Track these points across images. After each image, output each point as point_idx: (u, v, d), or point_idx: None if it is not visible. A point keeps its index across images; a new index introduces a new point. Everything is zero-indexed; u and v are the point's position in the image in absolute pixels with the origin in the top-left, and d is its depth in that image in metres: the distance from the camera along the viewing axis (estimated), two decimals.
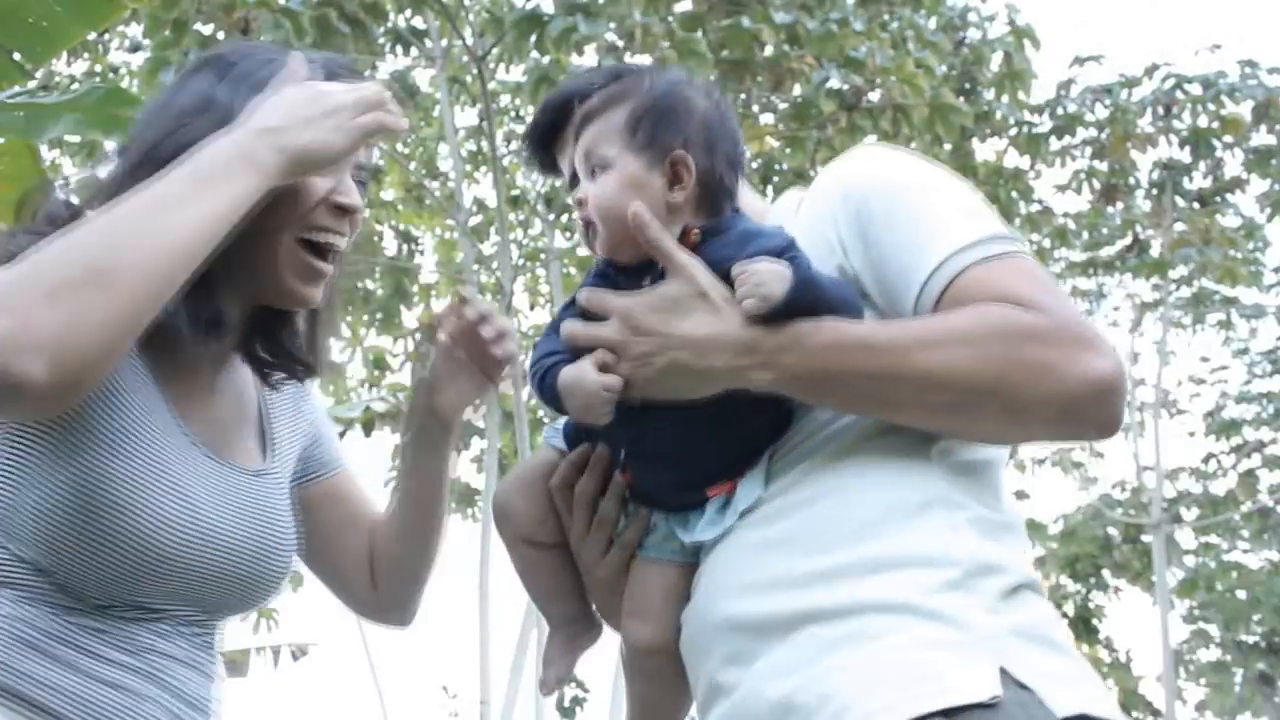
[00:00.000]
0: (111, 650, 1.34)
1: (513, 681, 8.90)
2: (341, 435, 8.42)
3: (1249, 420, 14.20)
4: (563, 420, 1.45)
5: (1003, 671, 1.12)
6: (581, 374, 1.28)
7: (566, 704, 11.15)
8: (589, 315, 1.33)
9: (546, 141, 1.55)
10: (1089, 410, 1.19)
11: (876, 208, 1.31)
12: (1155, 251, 11.94)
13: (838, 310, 1.25)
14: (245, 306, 1.47)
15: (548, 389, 1.32)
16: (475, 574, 9.30)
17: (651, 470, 1.36)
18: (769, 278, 1.23)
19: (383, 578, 1.66)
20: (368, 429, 9.22)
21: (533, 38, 7.60)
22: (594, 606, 1.48)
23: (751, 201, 1.52)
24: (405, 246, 11.55)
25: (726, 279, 1.27)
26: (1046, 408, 1.18)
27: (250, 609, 1.52)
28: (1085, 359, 1.17)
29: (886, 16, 8.60)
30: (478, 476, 11.87)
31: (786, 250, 1.27)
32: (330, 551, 1.66)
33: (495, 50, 9.01)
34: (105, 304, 1.15)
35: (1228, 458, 14.56)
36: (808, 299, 1.24)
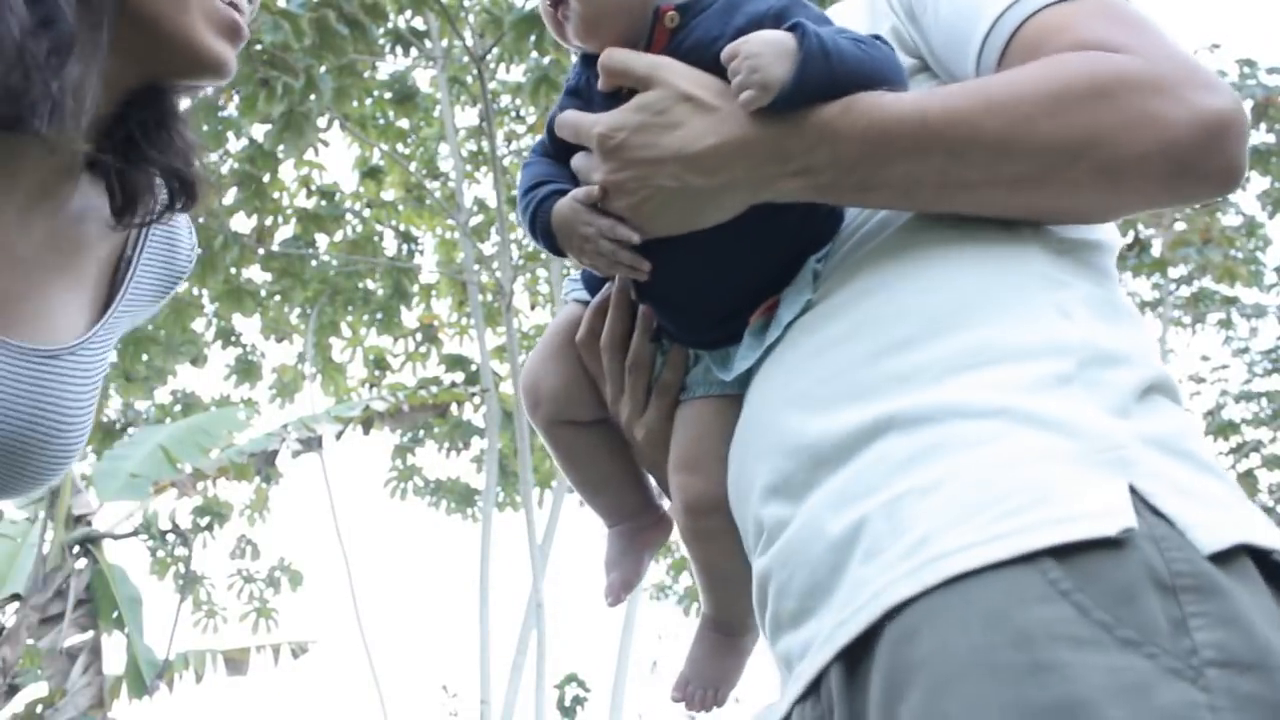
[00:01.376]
0: None
1: (513, 681, 8.90)
2: (340, 435, 8.42)
3: (1248, 420, 14.20)
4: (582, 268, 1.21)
5: (1132, 491, 0.85)
6: (575, 214, 1.06)
7: (567, 704, 11.15)
8: (567, 146, 1.10)
9: None
10: (1205, 158, 0.96)
11: None
12: (1156, 251, 11.95)
13: (868, 79, 0.99)
14: (119, 89, 1.14)
15: (541, 229, 1.10)
16: (475, 574, 9.32)
17: (675, 310, 1.15)
18: (766, 56, 0.98)
19: None
20: (367, 429, 9.22)
21: (532, 38, 7.61)
22: (651, 482, 1.27)
23: None
24: (405, 246, 11.55)
25: (709, 57, 1.02)
26: (1152, 162, 0.95)
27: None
28: (1193, 98, 0.95)
29: None
30: (478, 476, 11.87)
31: (786, 10, 1.02)
32: None
33: (495, 50, 9.02)
34: None
35: (1227, 458, 14.56)
36: (823, 74, 0.98)
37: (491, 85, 9.80)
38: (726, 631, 1.25)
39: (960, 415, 0.91)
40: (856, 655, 0.88)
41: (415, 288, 11.38)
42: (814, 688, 0.93)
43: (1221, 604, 0.80)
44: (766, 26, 1.01)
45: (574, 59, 1.16)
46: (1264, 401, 13.97)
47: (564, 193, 1.08)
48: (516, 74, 10.16)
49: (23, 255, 1.13)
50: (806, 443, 0.98)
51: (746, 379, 1.09)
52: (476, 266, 10.40)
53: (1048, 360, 0.93)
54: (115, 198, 1.18)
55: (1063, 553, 0.82)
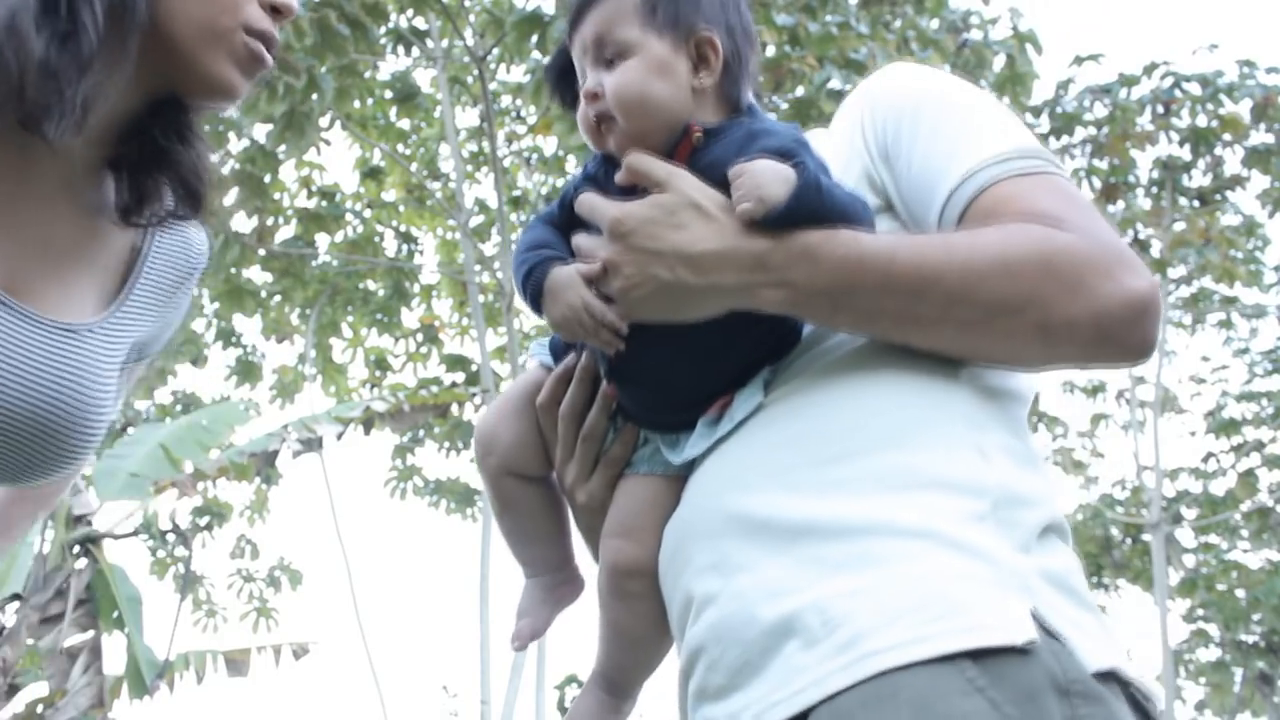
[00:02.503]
0: None
1: (513, 681, 8.90)
2: (341, 435, 8.41)
3: (1249, 420, 14.19)
4: (550, 335, 1.33)
5: (1033, 614, 1.00)
6: (570, 283, 1.17)
7: (567, 704, 11.14)
8: (583, 225, 1.21)
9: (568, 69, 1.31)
10: (1125, 331, 1.10)
11: (907, 115, 1.23)
12: (1155, 251, 11.95)
13: (849, 219, 1.13)
14: (139, 96, 1.22)
15: (532, 287, 1.20)
16: (475, 574, 9.31)
17: (638, 391, 1.25)
18: (768, 179, 1.11)
19: None
20: (368, 429, 9.22)
21: (533, 38, 7.61)
22: (573, 543, 1.37)
23: None
24: (406, 247, 11.55)
25: (722, 177, 1.15)
26: (1081, 328, 1.09)
27: (22, 482, 1.25)
28: (1122, 277, 1.09)
29: (889, 16, 8.61)
30: (478, 476, 11.86)
31: (794, 150, 1.14)
32: None
33: (496, 51, 9.02)
34: None
35: (1227, 457, 14.55)
36: (813, 204, 1.11)
37: (492, 86, 9.80)
38: (613, 692, 1.38)
39: (890, 532, 1.05)
40: None
41: (416, 288, 11.39)
42: None
43: (1105, 711, 0.99)
44: (778, 160, 1.14)
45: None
46: (1264, 401, 13.97)
47: (563, 260, 1.20)
48: (517, 74, 10.16)
49: (44, 240, 1.20)
50: (752, 520, 1.10)
51: (690, 465, 1.22)
52: (477, 267, 10.40)
53: (968, 497, 1.07)
54: (123, 196, 1.26)
55: (978, 656, 0.97)
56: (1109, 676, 1.01)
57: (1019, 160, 1.17)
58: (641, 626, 1.29)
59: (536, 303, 1.20)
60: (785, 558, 1.07)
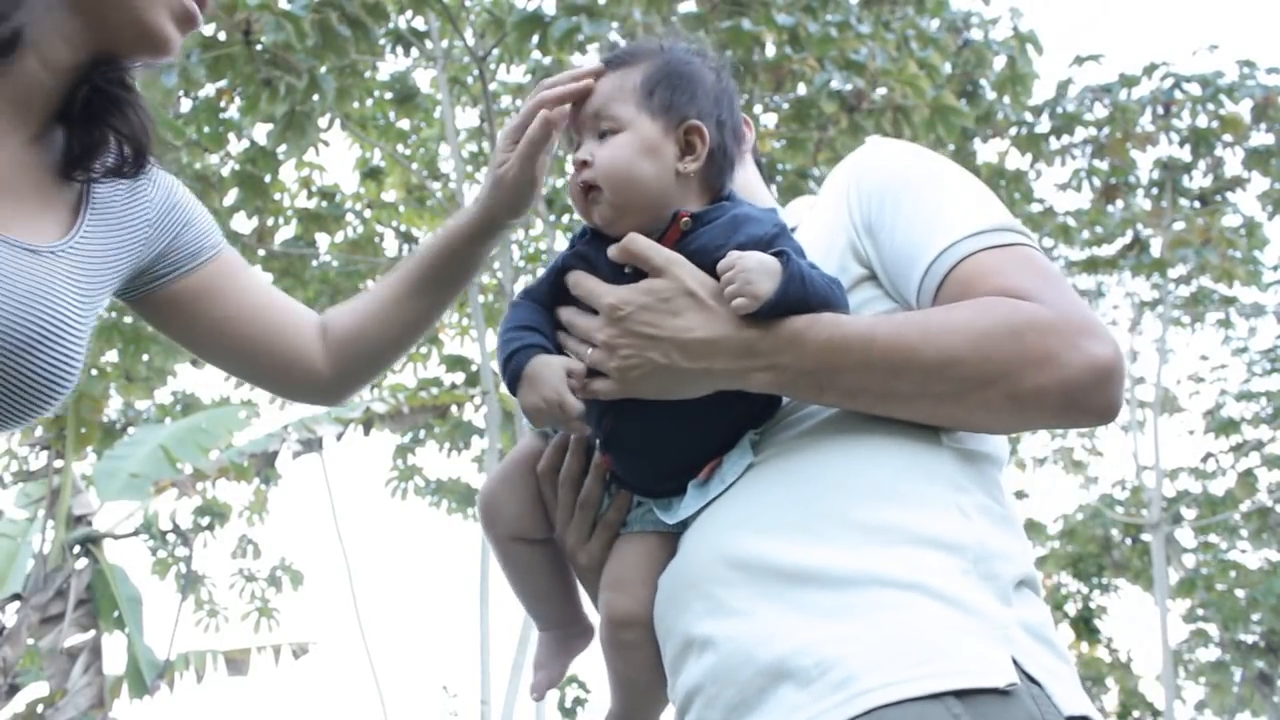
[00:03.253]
0: None
1: (513, 681, 8.90)
2: (340, 436, 8.42)
3: (1248, 419, 14.20)
4: None
5: (1014, 661, 1.10)
6: (548, 376, 1.24)
7: (568, 704, 11.16)
8: (568, 297, 1.29)
9: None
10: (1090, 396, 1.17)
11: (890, 191, 1.31)
12: (1155, 250, 11.95)
13: (828, 304, 1.22)
14: (82, 54, 1.28)
15: (511, 371, 1.27)
16: (475, 574, 9.32)
17: (631, 460, 1.33)
18: (757, 274, 1.19)
19: (344, 358, 1.54)
20: (368, 429, 9.22)
21: (534, 38, 7.61)
22: (585, 597, 1.45)
23: (757, 189, 1.53)
24: (406, 247, 11.55)
25: (710, 263, 1.23)
26: (1049, 395, 1.17)
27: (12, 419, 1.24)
28: (1085, 346, 1.17)
29: (889, 17, 8.61)
30: (478, 476, 11.87)
31: (776, 239, 1.24)
32: (248, 330, 1.50)
33: (496, 51, 9.02)
34: None
35: (1226, 457, 14.56)
36: (798, 294, 1.20)
37: (492, 86, 9.80)
38: None
39: (879, 583, 1.13)
40: None
41: None
42: None
43: None
44: (760, 248, 1.23)
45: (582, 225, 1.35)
46: (1264, 400, 13.97)
47: (546, 349, 1.28)
48: (517, 74, 10.17)
49: (2, 175, 1.26)
50: (741, 576, 1.18)
51: (682, 524, 1.29)
52: None
53: (951, 554, 1.16)
54: (70, 149, 1.31)
55: (963, 695, 1.06)
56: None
57: (992, 234, 1.25)
58: (640, 673, 1.36)
59: (513, 386, 1.27)
60: (779, 604, 1.15)
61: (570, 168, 1.32)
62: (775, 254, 1.21)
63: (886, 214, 1.30)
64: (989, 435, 1.29)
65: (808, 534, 1.18)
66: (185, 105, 8.22)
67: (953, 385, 1.18)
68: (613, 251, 1.26)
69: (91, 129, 1.32)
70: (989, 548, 1.19)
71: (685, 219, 1.26)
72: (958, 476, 1.22)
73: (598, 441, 1.35)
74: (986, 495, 1.24)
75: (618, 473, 1.35)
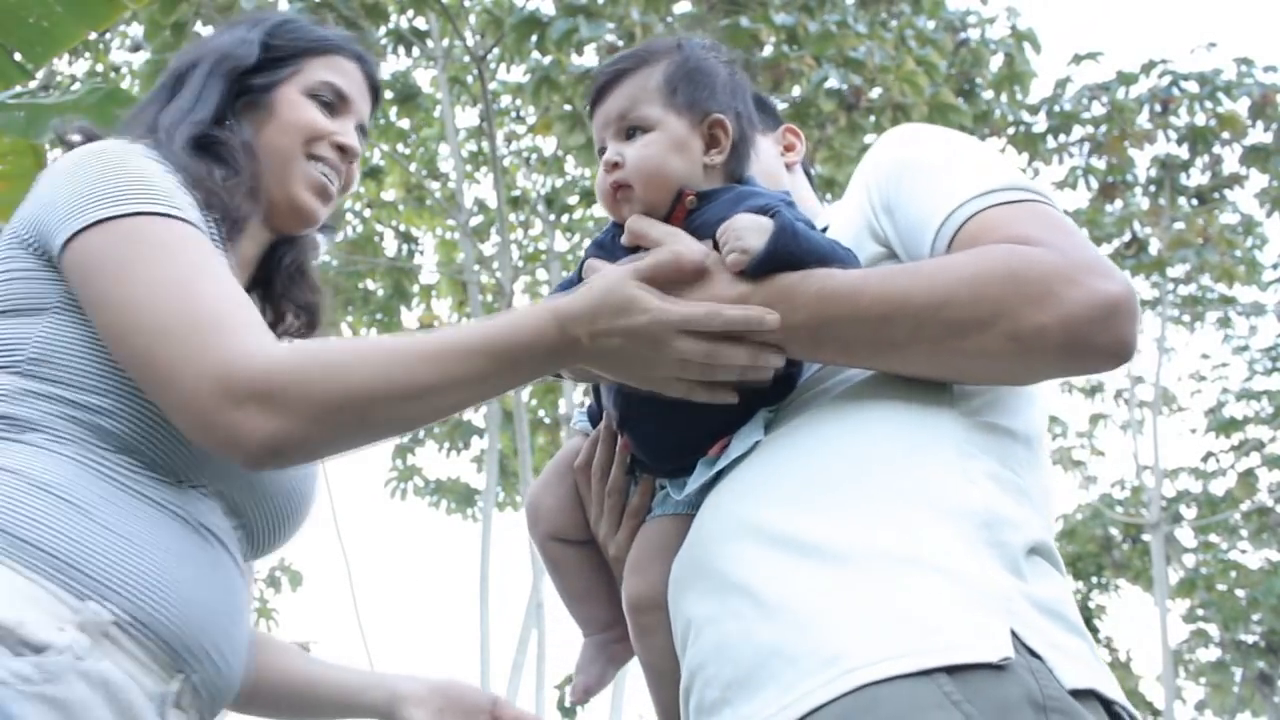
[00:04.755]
0: (179, 510, 1.36)
1: (513, 681, 8.90)
2: None
3: (1249, 419, 14.20)
4: (589, 401, 1.45)
5: (1013, 634, 1.05)
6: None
7: (567, 704, 11.15)
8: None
9: None
10: (1097, 333, 1.12)
11: (905, 170, 1.31)
12: (1154, 250, 11.95)
13: (826, 260, 1.22)
14: (263, 237, 1.60)
15: None
16: (475, 574, 9.32)
17: (643, 438, 1.35)
18: (748, 231, 1.21)
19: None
20: None
21: (533, 38, 7.61)
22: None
23: (809, 200, 1.59)
24: (405, 247, 11.56)
25: (714, 229, 1.25)
26: (1051, 333, 1.12)
27: (288, 530, 1.55)
28: (1089, 282, 1.12)
29: (885, 15, 8.61)
30: (478, 476, 11.87)
31: (774, 205, 1.25)
32: None
33: (496, 50, 9.03)
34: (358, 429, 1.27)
35: (1227, 456, 14.56)
36: (789, 249, 1.21)
37: (492, 85, 9.81)
38: None
39: (875, 555, 1.11)
40: None
41: (416, 288, 11.39)
42: None
43: None
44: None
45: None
46: (1264, 400, 13.97)
47: None
48: (517, 74, 10.17)
49: None
50: (741, 553, 1.17)
51: (696, 503, 1.29)
52: (477, 267, 10.40)
53: (953, 518, 1.13)
54: (264, 313, 1.59)
55: (955, 671, 1.02)
56: (1089, 695, 1.06)
57: (1003, 191, 1.23)
58: (663, 660, 1.33)
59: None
60: (778, 581, 1.13)
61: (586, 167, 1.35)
62: (768, 213, 1.24)
63: (903, 189, 1.30)
64: (1013, 409, 1.25)
65: (807, 506, 1.16)
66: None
67: (946, 328, 1.15)
68: (624, 238, 1.31)
69: (277, 300, 1.64)
70: (996, 514, 1.14)
71: (690, 197, 1.30)
72: (965, 444, 1.19)
73: (615, 423, 1.37)
74: (998, 463, 1.20)
75: (637, 455, 1.37)
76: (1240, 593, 14.49)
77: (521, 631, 9.22)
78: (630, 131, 1.33)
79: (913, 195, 1.29)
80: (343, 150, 1.60)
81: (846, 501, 1.15)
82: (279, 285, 1.64)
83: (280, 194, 1.56)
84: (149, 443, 1.33)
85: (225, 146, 1.51)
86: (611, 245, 1.34)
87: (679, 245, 1.25)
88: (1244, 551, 14.98)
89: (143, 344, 1.28)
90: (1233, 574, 14.64)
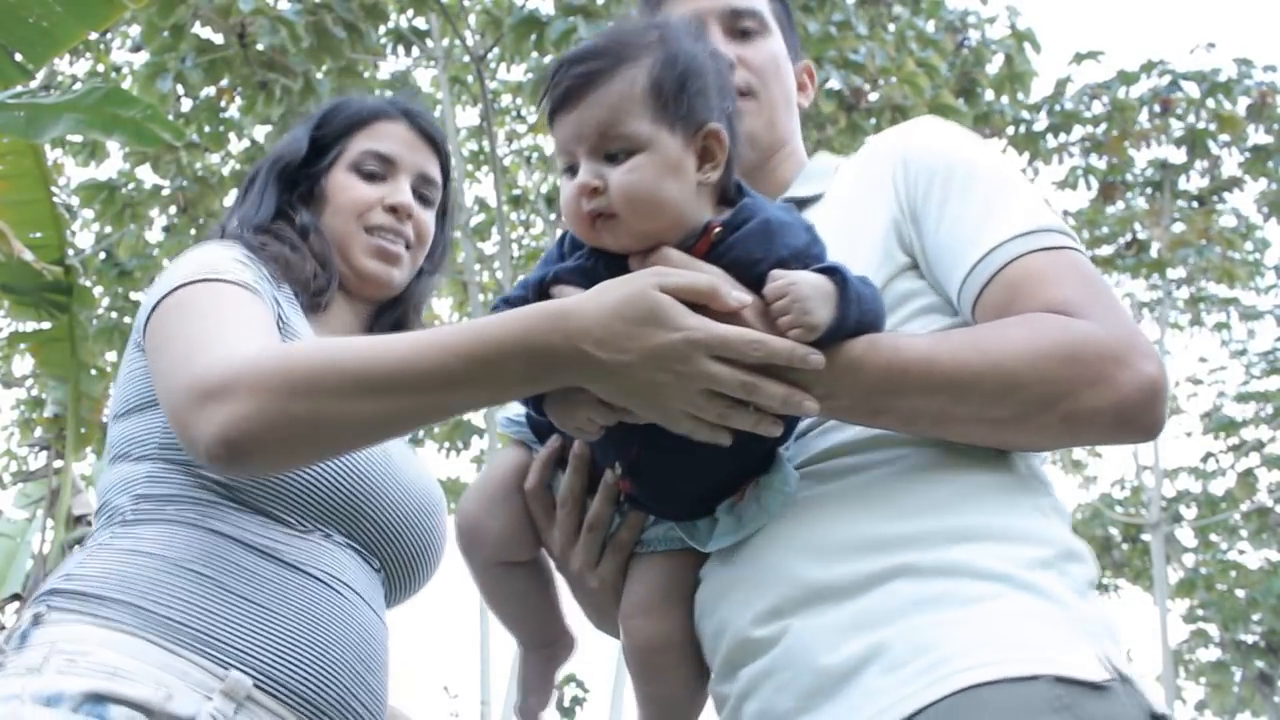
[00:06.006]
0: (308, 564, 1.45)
1: (513, 681, 8.89)
2: None
3: (1248, 420, 14.19)
4: (521, 408, 1.29)
5: (1104, 658, 1.08)
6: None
7: (566, 704, 11.16)
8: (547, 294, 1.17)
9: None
10: (1141, 415, 1.16)
11: (939, 178, 1.27)
12: (1154, 251, 11.95)
13: (879, 320, 1.16)
14: (357, 307, 1.70)
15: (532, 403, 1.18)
16: None
17: (656, 487, 1.22)
18: (814, 301, 1.09)
19: None
20: None
21: (533, 38, 7.61)
22: (584, 615, 1.38)
23: (798, 147, 1.50)
24: None
25: (750, 276, 1.13)
26: (1104, 416, 1.15)
27: (425, 569, 1.64)
28: (1138, 364, 1.15)
29: (885, 17, 8.61)
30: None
31: (813, 246, 1.16)
32: None
33: (496, 50, 9.03)
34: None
35: (1226, 457, 14.56)
36: (855, 319, 1.12)
37: (492, 85, 9.81)
38: None
39: (967, 574, 1.11)
40: None
41: None
42: None
43: None
44: (800, 260, 1.13)
45: (563, 236, 1.23)
46: (1262, 401, 13.96)
47: None
48: (517, 74, 10.18)
49: None
50: (814, 579, 1.14)
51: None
52: (477, 266, 10.40)
53: (1034, 546, 1.15)
54: None
55: (1061, 681, 1.03)
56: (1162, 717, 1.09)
57: (1039, 235, 1.22)
58: (674, 691, 1.31)
59: (538, 407, 1.17)
60: (864, 598, 1.13)
61: (559, 182, 1.20)
62: (826, 271, 1.13)
63: (933, 203, 1.27)
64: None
65: (885, 542, 1.14)
66: (186, 105, 8.22)
67: (1013, 409, 1.15)
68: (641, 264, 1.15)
69: None
70: (1066, 545, 1.18)
71: (718, 230, 1.15)
72: (1029, 479, 1.22)
73: (620, 469, 1.22)
74: (1056, 498, 1.24)
75: (638, 498, 1.24)
76: (1240, 593, 14.49)
77: None
78: (613, 153, 1.14)
79: (945, 216, 1.26)
80: (396, 210, 1.66)
81: (929, 532, 1.15)
82: None
83: (349, 269, 1.65)
84: (270, 497, 1.43)
85: (284, 234, 1.61)
86: (596, 269, 1.16)
87: (722, 283, 1.10)
88: (1244, 552, 14.99)
89: (161, 387, 1.36)
90: (1233, 574, 14.64)
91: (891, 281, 1.26)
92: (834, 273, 1.12)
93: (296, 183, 1.68)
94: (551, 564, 1.36)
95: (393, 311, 1.73)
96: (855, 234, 1.30)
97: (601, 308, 1.08)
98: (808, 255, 1.14)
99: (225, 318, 1.36)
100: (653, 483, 1.22)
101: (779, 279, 1.10)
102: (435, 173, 1.74)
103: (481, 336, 1.11)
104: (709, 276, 1.10)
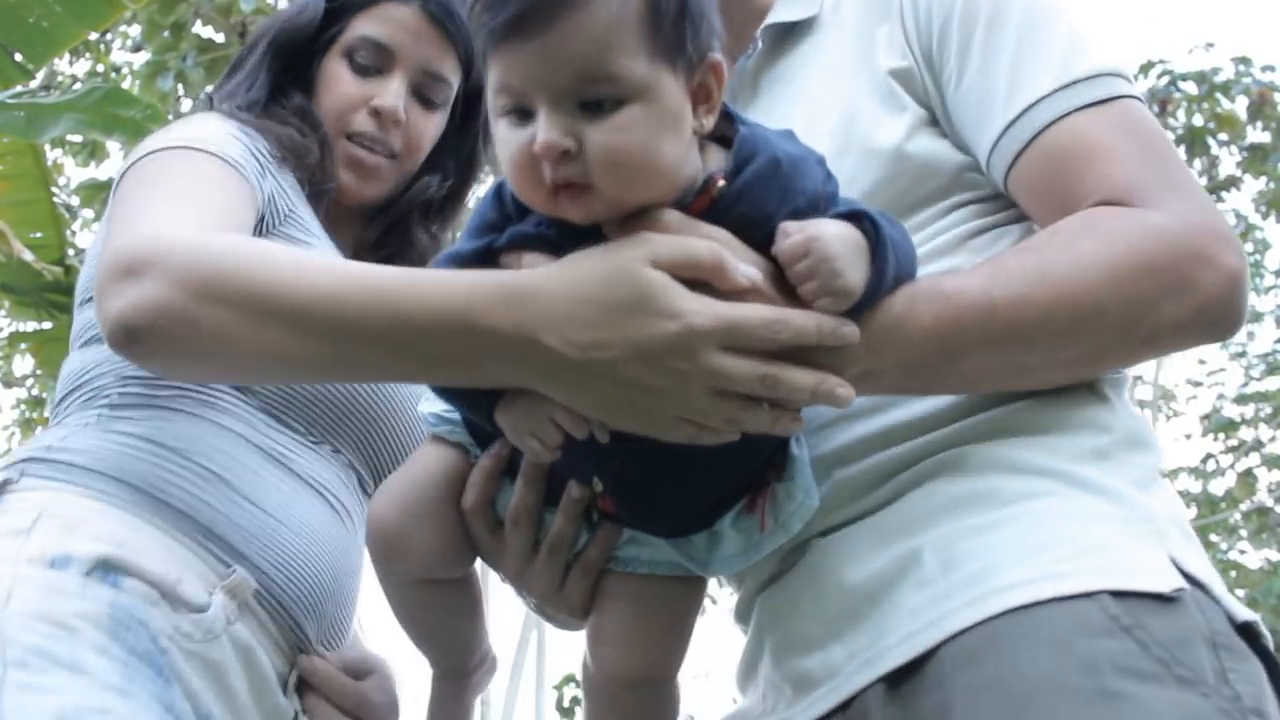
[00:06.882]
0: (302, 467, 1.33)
1: (513, 681, 8.90)
2: None
3: (1247, 420, 14.19)
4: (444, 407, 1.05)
5: (1174, 561, 0.92)
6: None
7: (567, 704, 11.16)
8: (492, 258, 0.93)
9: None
10: (1227, 313, 0.99)
11: (956, 15, 1.06)
12: None
13: (913, 265, 0.95)
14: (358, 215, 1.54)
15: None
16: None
17: (642, 503, 1.00)
18: (845, 259, 0.87)
19: None
20: None
21: None
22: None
23: None
24: None
25: (759, 233, 0.90)
26: (1187, 325, 0.97)
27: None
28: (1221, 258, 0.97)
29: None
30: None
31: (827, 184, 0.93)
32: None
33: None
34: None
35: (1226, 457, 14.55)
36: (891, 271, 0.90)
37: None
38: None
39: (1009, 470, 0.96)
40: (901, 675, 0.92)
41: None
42: (843, 706, 0.96)
43: (1251, 668, 0.90)
44: (816, 204, 0.91)
45: (499, 198, 0.95)
46: (1261, 402, 13.97)
47: None
48: None
49: None
50: (855, 471, 1.00)
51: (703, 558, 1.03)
52: None
53: (1089, 434, 0.98)
54: None
55: (1121, 596, 0.87)
56: (1246, 630, 0.93)
57: (1084, 86, 1.01)
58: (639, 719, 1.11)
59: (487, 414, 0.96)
60: (896, 505, 0.98)
61: (510, 140, 0.88)
62: (849, 216, 0.90)
63: (952, 47, 1.06)
64: None
65: (924, 431, 0.99)
66: (186, 105, 8.22)
67: (1090, 344, 0.96)
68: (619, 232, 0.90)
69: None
70: (1133, 431, 1.01)
71: (721, 183, 0.91)
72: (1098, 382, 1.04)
73: (600, 485, 1.00)
74: (1120, 373, 1.06)
75: (620, 516, 1.03)
76: (1240, 593, 14.48)
77: (521, 631, 9.21)
78: (595, 101, 0.85)
79: (966, 65, 1.05)
80: (380, 115, 1.44)
81: (964, 428, 0.99)
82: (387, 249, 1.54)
83: (335, 176, 1.47)
84: (282, 399, 1.32)
85: (285, 115, 1.43)
86: (553, 235, 0.90)
87: (723, 249, 0.88)
88: (1244, 552, 14.98)
89: (104, 242, 1.18)
90: (1233, 574, 14.64)
91: (907, 142, 1.05)
92: (860, 217, 0.90)
93: (296, 61, 1.48)
94: (481, 577, 1.19)
95: (386, 216, 1.53)
96: (858, 79, 1.09)
97: (572, 289, 0.86)
98: (823, 197, 0.92)
99: (180, 193, 1.19)
100: (640, 499, 1.00)
101: (794, 233, 0.88)
102: (445, 68, 1.48)
103: (415, 292, 0.90)
104: (711, 244, 0.87)
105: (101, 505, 1.17)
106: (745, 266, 0.88)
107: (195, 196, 1.19)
